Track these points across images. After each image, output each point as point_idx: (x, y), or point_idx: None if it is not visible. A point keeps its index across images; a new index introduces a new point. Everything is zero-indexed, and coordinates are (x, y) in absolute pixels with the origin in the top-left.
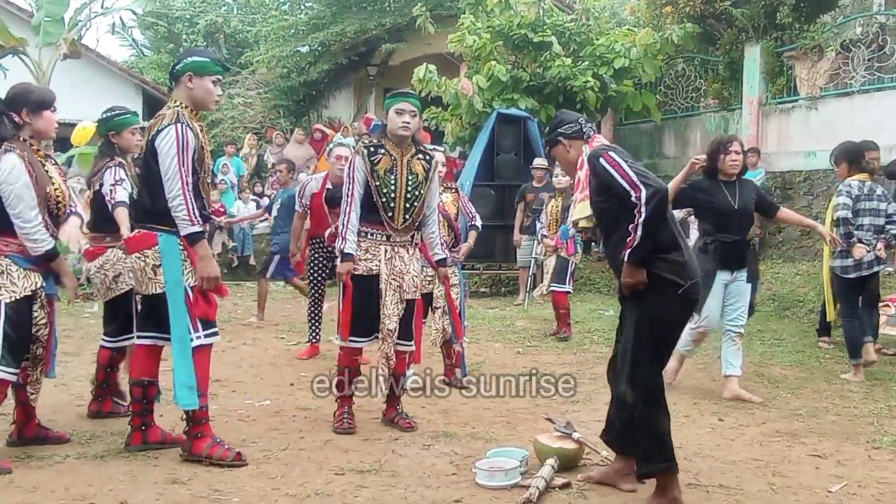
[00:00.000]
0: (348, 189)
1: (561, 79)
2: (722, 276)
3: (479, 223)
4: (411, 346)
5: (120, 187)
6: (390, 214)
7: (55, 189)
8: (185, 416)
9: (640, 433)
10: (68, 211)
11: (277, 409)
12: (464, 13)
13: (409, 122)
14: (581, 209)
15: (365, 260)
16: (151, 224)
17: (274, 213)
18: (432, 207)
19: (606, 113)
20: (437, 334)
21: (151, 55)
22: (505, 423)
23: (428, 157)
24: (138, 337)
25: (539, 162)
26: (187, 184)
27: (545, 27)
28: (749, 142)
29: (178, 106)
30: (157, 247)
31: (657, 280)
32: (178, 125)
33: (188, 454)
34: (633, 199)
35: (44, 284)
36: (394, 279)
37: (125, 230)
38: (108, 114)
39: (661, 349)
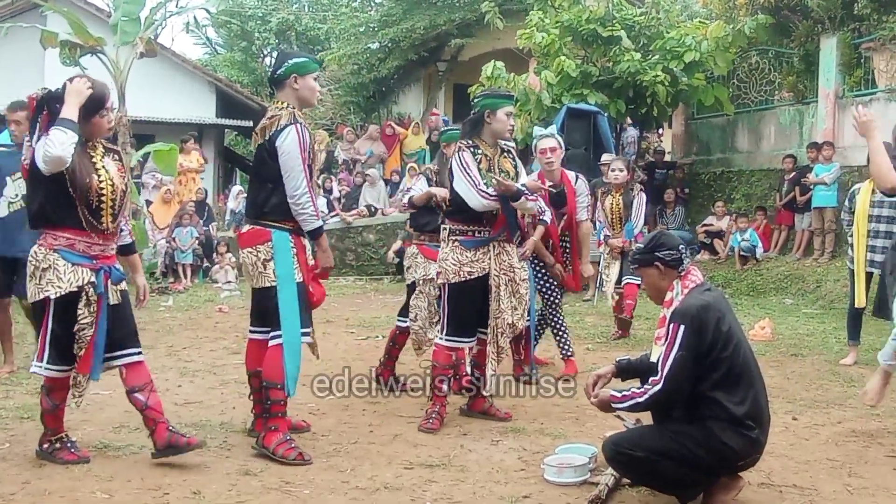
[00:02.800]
0: (472, 180)
1: (630, 73)
2: None
3: (548, 217)
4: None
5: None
6: (492, 212)
7: (99, 181)
8: (264, 406)
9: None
10: (123, 207)
11: (347, 404)
12: (532, 8)
13: (514, 125)
14: (658, 352)
15: (476, 261)
16: (264, 221)
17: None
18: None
19: (677, 107)
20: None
21: (225, 53)
22: (574, 419)
23: (513, 155)
24: (251, 332)
25: (607, 157)
26: (310, 180)
27: (614, 21)
28: (825, 136)
29: (290, 107)
30: (269, 242)
31: (722, 444)
32: (297, 125)
33: (260, 444)
34: (651, 378)
35: (93, 281)
36: (504, 273)
37: None
38: (446, 129)
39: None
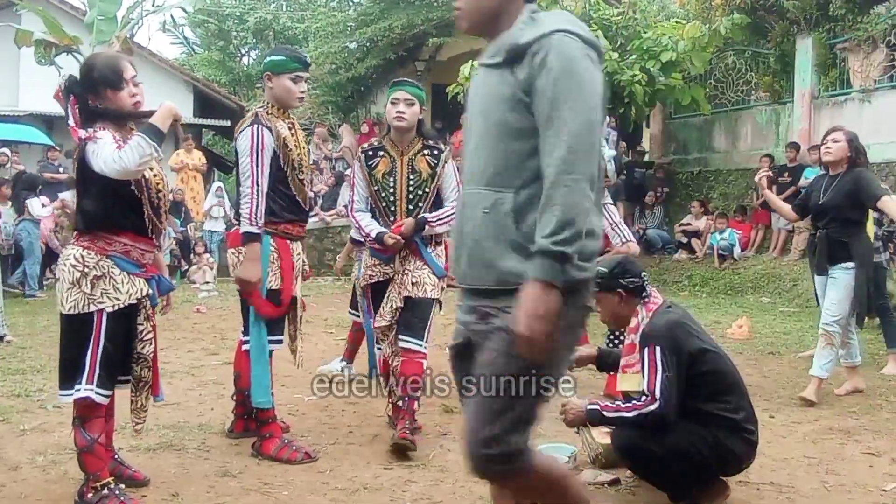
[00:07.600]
0: (349, 197)
1: (608, 73)
2: (820, 270)
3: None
4: (421, 344)
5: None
6: (392, 219)
7: (154, 176)
8: (254, 416)
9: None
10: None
11: (327, 404)
12: None
13: (403, 112)
14: (630, 381)
15: (378, 264)
16: None
17: None
18: (448, 195)
19: (655, 107)
20: None
21: (202, 52)
22: (553, 418)
23: (436, 152)
24: (242, 333)
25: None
26: (258, 184)
27: (591, 21)
28: (801, 135)
29: (261, 106)
30: None
31: (730, 451)
32: (254, 126)
33: (258, 454)
34: (642, 399)
35: (150, 293)
36: (398, 275)
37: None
38: None
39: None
